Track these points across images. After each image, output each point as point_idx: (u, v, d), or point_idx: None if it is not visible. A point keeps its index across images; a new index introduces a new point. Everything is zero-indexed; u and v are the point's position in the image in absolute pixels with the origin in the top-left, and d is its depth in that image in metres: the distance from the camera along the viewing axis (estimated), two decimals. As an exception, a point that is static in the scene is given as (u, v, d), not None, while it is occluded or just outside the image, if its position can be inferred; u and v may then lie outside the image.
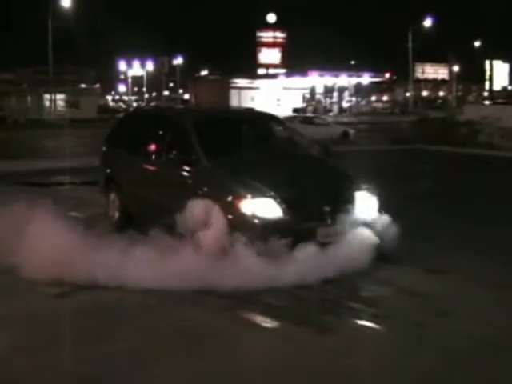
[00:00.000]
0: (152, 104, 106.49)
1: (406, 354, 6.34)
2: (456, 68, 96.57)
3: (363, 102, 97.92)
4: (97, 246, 8.65)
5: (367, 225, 9.20)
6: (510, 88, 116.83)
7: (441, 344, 6.48)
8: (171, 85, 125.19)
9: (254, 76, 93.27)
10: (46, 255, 8.41)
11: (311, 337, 6.78)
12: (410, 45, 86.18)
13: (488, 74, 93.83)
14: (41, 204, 9.47)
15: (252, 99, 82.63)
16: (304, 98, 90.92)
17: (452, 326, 6.98)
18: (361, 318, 7.35)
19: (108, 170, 12.09)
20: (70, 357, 6.23)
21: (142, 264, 8.25)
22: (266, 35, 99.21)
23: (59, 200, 11.78)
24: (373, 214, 9.38)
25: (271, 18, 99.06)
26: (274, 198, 8.72)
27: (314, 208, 8.84)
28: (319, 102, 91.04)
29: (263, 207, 8.66)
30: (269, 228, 8.48)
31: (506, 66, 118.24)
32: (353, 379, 5.86)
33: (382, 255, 9.00)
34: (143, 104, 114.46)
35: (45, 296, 8.00)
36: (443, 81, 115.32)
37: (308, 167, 10.01)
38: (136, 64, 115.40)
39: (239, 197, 8.76)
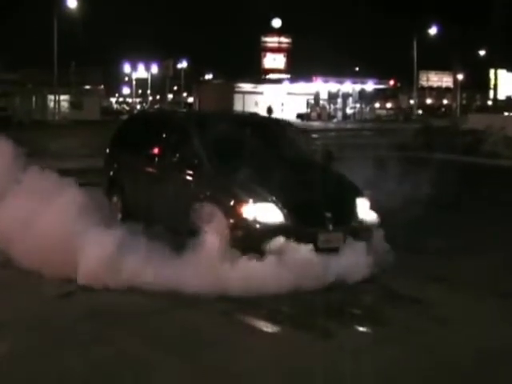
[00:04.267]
0: (156, 107, 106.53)
1: (405, 360, 6.35)
2: (460, 76, 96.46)
3: (367, 109, 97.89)
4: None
5: (368, 231, 9.22)
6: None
7: (440, 352, 6.49)
8: (175, 88, 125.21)
9: (258, 81, 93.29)
10: None
11: (312, 342, 6.77)
12: (414, 52, 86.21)
13: (492, 82, 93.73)
14: None
15: (256, 104, 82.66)
16: (308, 103, 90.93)
17: (452, 334, 6.99)
18: (362, 325, 7.36)
19: (111, 173, 12.10)
20: (70, 360, 6.22)
21: (147, 266, 8.30)
22: (271, 40, 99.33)
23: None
24: (374, 220, 9.39)
25: (276, 23, 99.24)
26: (276, 202, 8.73)
27: (316, 213, 8.83)
28: (323, 107, 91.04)
29: (265, 212, 8.67)
30: (270, 233, 8.49)
31: (511, 75, 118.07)
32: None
33: (384, 261, 9.02)
34: (147, 107, 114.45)
35: (48, 296, 8.03)
36: (447, 89, 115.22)
37: (310, 173, 10.00)
38: (141, 67, 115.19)
39: (241, 201, 8.76)
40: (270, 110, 69.26)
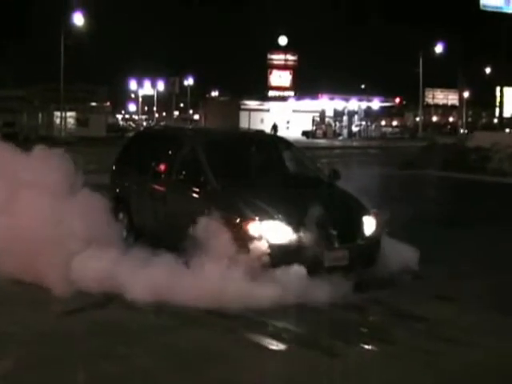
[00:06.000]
0: (162, 124, 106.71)
1: (412, 379, 6.32)
2: (466, 94, 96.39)
3: (373, 127, 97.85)
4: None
5: (375, 248, 9.22)
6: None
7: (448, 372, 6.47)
8: (181, 105, 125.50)
9: (264, 98, 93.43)
10: None
11: (318, 360, 6.74)
12: (420, 70, 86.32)
13: (498, 100, 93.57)
14: None
15: (262, 121, 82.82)
16: (314, 121, 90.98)
17: (459, 353, 6.96)
18: (369, 343, 7.33)
19: (117, 189, 12.10)
20: (77, 375, 6.22)
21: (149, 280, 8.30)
22: (278, 57, 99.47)
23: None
24: (380, 238, 9.39)
25: (283, 40, 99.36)
26: (282, 220, 8.73)
27: (322, 231, 8.81)
28: (329, 125, 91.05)
29: (271, 230, 8.66)
30: (276, 250, 8.48)
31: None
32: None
33: (391, 279, 9.00)
34: (153, 124, 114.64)
35: (57, 312, 8.01)
36: (453, 106, 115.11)
37: (316, 190, 10.01)
38: (147, 83, 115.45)
39: (247, 219, 8.76)
40: (275, 128, 69.32)
